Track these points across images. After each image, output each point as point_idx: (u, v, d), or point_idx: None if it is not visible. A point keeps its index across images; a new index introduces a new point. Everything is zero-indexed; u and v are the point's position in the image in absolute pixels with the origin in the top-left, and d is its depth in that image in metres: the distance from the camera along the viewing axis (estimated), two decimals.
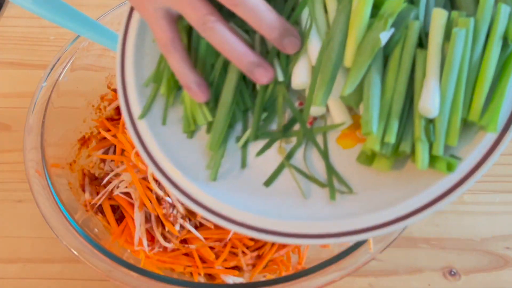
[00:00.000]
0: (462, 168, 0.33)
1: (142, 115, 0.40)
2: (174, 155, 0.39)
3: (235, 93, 0.38)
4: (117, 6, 0.61)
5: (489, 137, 0.32)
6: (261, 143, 0.39)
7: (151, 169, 0.39)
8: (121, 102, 0.41)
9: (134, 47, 0.42)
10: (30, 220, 0.59)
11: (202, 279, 0.52)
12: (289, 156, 0.38)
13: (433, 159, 0.33)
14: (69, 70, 0.58)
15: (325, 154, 0.37)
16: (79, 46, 0.59)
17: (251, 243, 0.52)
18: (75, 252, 0.46)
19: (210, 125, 0.39)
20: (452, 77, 0.32)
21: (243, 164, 0.38)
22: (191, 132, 0.40)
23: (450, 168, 0.33)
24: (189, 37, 0.40)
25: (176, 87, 0.41)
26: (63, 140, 0.57)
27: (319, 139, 0.38)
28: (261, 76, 0.36)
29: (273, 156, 0.38)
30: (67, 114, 0.58)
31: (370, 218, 0.34)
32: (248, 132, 0.39)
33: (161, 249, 0.52)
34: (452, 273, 0.56)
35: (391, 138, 0.33)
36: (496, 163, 0.33)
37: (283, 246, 0.53)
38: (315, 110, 0.37)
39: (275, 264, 0.53)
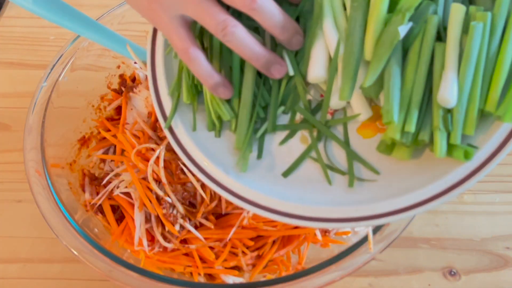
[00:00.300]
0: (479, 156, 0.34)
1: (168, 124, 0.42)
2: (208, 152, 0.41)
3: (253, 91, 0.40)
4: (117, 6, 0.61)
5: (505, 127, 0.34)
6: (285, 133, 0.41)
7: (186, 163, 0.41)
8: (156, 109, 0.43)
9: (163, 51, 0.43)
10: (30, 220, 0.59)
11: (202, 279, 0.52)
12: (311, 146, 0.40)
13: (450, 148, 0.34)
14: (69, 70, 0.58)
15: (346, 142, 0.39)
16: (79, 46, 0.59)
17: (251, 243, 0.52)
18: (75, 252, 0.46)
19: (235, 123, 0.41)
20: (469, 69, 0.33)
21: (259, 155, 0.40)
22: (218, 131, 0.42)
23: (467, 156, 0.34)
24: (201, 37, 0.42)
25: (197, 93, 0.43)
26: (63, 140, 0.57)
27: (340, 129, 0.40)
28: (276, 71, 0.39)
29: (296, 145, 0.40)
30: (67, 114, 0.58)
31: (389, 204, 0.35)
32: (265, 125, 0.41)
33: (161, 249, 0.52)
34: (452, 273, 0.56)
35: (412, 127, 0.34)
36: None
37: (283, 246, 0.53)
38: (335, 103, 0.38)
39: (275, 264, 0.53)
